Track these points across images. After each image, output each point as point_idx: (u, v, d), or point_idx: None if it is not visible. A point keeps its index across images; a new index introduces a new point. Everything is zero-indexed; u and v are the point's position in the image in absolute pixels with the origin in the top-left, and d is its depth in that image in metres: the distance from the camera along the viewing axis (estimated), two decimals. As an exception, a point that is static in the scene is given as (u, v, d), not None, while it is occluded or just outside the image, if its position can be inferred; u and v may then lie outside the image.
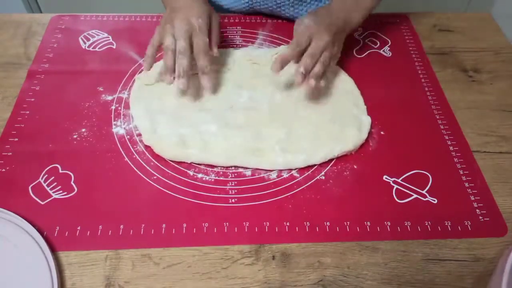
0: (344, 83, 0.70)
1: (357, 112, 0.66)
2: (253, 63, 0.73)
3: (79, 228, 0.53)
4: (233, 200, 0.57)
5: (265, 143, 0.61)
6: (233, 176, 0.59)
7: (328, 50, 0.62)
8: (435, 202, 0.57)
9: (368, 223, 0.55)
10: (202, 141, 0.60)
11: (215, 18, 0.66)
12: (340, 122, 0.64)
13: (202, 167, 0.60)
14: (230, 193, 0.57)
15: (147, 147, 0.61)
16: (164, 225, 0.54)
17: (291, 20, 0.82)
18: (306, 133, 0.62)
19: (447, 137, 0.65)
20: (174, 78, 0.60)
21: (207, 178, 0.59)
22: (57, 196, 0.56)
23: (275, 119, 0.64)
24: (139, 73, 0.71)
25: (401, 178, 0.59)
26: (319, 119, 0.64)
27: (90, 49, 0.75)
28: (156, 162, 0.60)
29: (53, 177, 0.58)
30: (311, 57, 0.60)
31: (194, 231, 0.53)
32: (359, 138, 0.62)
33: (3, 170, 0.58)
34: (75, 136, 0.62)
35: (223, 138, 0.61)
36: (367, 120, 0.64)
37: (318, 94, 0.65)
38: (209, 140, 0.61)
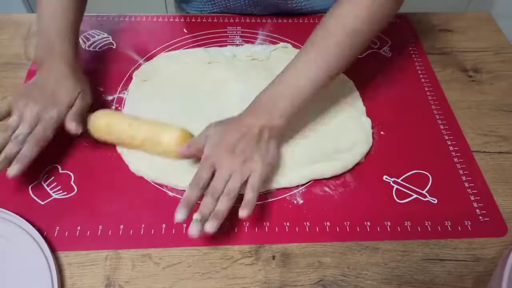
0: (343, 86, 0.70)
1: (356, 114, 0.66)
2: (253, 59, 0.73)
3: (79, 228, 0.53)
4: (233, 200, 0.57)
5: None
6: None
7: (237, 173, 0.51)
8: (435, 202, 0.57)
9: (368, 223, 0.55)
10: (183, 170, 0.57)
11: (82, 98, 0.58)
12: (342, 131, 0.63)
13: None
14: (230, 193, 0.57)
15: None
16: (164, 225, 0.54)
17: (291, 17, 0.82)
18: (306, 149, 0.61)
19: (447, 137, 0.65)
20: None
21: (207, 178, 0.59)
22: (57, 196, 0.56)
23: None
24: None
25: (401, 178, 0.59)
26: (320, 132, 0.63)
27: (90, 49, 0.75)
28: (156, 162, 0.60)
29: (53, 177, 0.58)
30: (211, 195, 0.50)
31: (194, 231, 0.53)
32: (365, 148, 0.62)
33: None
34: (75, 137, 0.62)
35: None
36: (367, 123, 0.64)
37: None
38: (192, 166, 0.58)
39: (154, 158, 0.58)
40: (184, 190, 0.53)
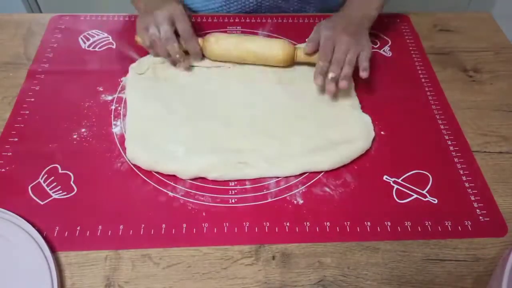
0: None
1: (355, 110, 0.66)
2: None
3: (78, 228, 0.53)
4: (233, 200, 0.57)
5: (252, 155, 0.60)
6: (233, 176, 0.59)
7: (352, 50, 0.64)
8: (435, 202, 0.57)
9: (368, 223, 0.55)
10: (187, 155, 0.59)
11: (187, 11, 0.68)
12: (341, 124, 0.64)
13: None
14: (230, 193, 0.57)
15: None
16: (164, 225, 0.54)
17: (291, 17, 0.82)
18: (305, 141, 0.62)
19: (447, 137, 0.65)
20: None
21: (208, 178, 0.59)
22: (56, 196, 0.56)
23: (270, 128, 0.63)
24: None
25: (401, 178, 0.59)
26: (318, 124, 0.64)
27: (90, 49, 0.75)
28: (156, 162, 0.60)
29: (52, 177, 0.58)
30: (337, 63, 0.63)
31: (194, 231, 0.53)
32: (368, 139, 0.62)
33: (3, 170, 0.58)
34: (74, 136, 0.62)
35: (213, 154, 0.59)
36: (367, 119, 0.65)
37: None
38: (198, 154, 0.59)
39: (150, 146, 0.59)
40: (175, 185, 0.53)
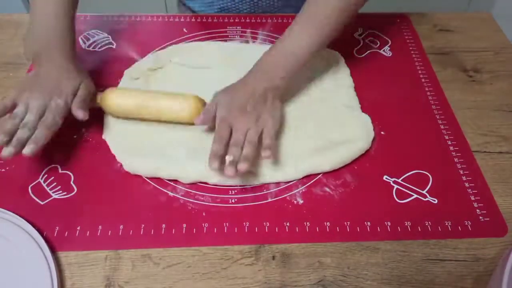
0: (342, 80, 0.71)
1: (356, 112, 0.66)
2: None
3: (78, 228, 0.53)
4: (233, 200, 0.57)
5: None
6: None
7: (252, 129, 0.58)
8: (435, 202, 0.57)
9: (368, 223, 0.55)
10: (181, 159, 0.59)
11: (85, 87, 0.61)
12: (340, 125, 0.64)
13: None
14: (230, 193, 0.57)
15: (147, 147, 0.61)
16: (164, 225, 0.54)
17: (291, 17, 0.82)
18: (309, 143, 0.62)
19: (447, 137, 0.65)
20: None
21: (207, 178, 0.59)
22: (56, 196, 0.56)
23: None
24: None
25: (401, 178, 0.59)
26: (316, 125, 0.64)
27: (90, 49, 0.75)
28: (156, 162, 0.60)
29: (52, 177, 0.58)
30: (235, 144, 0.56)
31: (194, 231, 0.53)
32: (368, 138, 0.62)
33: (3, 170, 0.58)
34: (75, 136, 0.62)
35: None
36: (367, 119, 0.65)
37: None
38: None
39: (147, 155, 0.59)
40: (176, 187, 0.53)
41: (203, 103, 0.62)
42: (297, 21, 0.63)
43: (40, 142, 0.54)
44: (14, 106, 0.56)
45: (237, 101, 0.60)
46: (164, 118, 0.62)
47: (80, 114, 0.58)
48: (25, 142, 0.54)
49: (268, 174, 0.58)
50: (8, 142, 0.53)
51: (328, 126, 0.64)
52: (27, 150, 0.53)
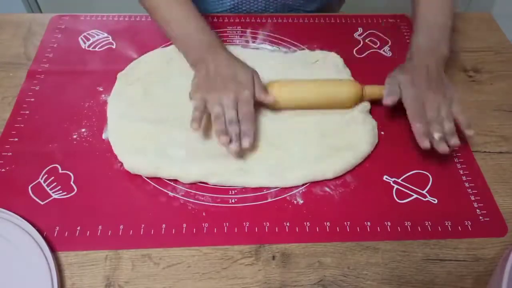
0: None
1: (362, 116, 0.65)
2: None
3: (78, 228, 0.53)
4: (233, 200, 0.57)
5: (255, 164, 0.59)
6: (233, 176, 0.59)
7: (443, 106, 0.60)
8: (435, 202, 0.57)
9: (368, 223, 0.55)
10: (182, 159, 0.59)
11: (257, 75, 0.64)
12: (344, 130, 0.63)
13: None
14: (230, 193, 0.57)
15: (147, 147, 0.61)
16: (164, 225, 0.54)
17: (291, 17, 0.82)
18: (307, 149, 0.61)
19: (447, 137, 0.64)
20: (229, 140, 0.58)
21: (207, 178, 0.59)
22: (57, 196, 0.56)
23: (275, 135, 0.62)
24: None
25: (401, 178, 0.59)
26: (321, 131, 0.63)
27: (90, 49, 0.75)
28: (156, 162, 0.60)
29: (53, 177, 0.58)
30: (436, 121, 0.59)
31: (194, 231, 0.53)
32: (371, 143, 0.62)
33: (3, 170, 0.58)
34: (75, 136, 0.62)
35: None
36: (373, 123, 0.65)
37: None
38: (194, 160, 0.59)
39: (148, 154, 0.58)
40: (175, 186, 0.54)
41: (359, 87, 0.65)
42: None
43: (252, 133, 0.58)
44: (205, 106, 0.60)
45: (419, 80, 0.62)
46: (326, 106, 0.65)
47: (269, 98, 0.62)
48: (239, 135, 0.58)
49: (268, 177, 0.58)
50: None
51: (332, 131, 0.63)
52: (245, 144, 0.57)
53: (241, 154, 0.59)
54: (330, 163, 0.59)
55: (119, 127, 0.62)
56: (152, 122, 0.63)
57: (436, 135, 0.57)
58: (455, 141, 0.57)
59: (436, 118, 0.59)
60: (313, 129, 0.63)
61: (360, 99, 0.65)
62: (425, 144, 0.57)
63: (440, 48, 0.66)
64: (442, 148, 0.57)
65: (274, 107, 0.64)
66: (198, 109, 0.59)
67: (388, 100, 0.61)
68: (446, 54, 0.66)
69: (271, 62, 0.73)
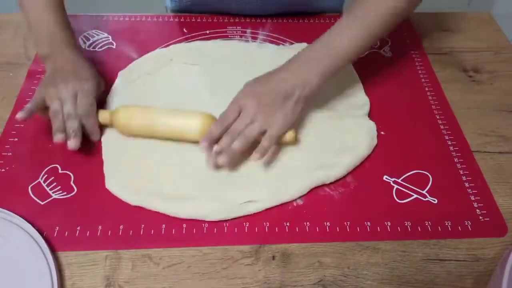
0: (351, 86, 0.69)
1: (361, 119, 0.65)
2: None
3: (78, 228, 0.53)
4: (233, 200, 0.57)
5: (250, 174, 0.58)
6: (233, 176, 0.59)
7: (258, 122, 0.55)
8: (435, 202, 0.57)
9: (368, 223, 0.55)
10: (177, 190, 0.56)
11: (101, 85, 0.63)
12: (343, 134, 0.62)
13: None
14: (230, 193, 0.57)
15: (147, 147, 0.61)
16: (164, 225, 0.54)
17: (291, 17, 0.82)
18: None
19: (447, 137, 0.65)
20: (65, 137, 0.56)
21: (207, 178, 0.59)
22: (56, 196, 0.56)
23: None
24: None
25: (401, 178, 0.59)
26: (318, 138, 0.62)
27: (90, 49, 0.75)
28: (156, 162, 0.60)
29: (52, 177, 0.58)
30: (231, 134, 0.55)
31: (194, 231, 0.53)
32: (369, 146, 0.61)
33: (3, 170, 0.58)
34: (75, 136, 0.62)
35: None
36: (372, 125, 0.64)
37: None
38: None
39: (135, 183, 0.56)
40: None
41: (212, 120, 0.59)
42: (345, 18, 0.59)
43: (95, 129, 0.58)
44: (43, 103, 0.58)
45: (257, 89, 0.58)
46: (174, 138, 0.60)
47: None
48: (78, 130, 0.56)
49: (270, 197, 0.55)
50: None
51: (330, 136, 0.62)
52: (71, 145, 0.55)
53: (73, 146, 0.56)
54: (329, 170, 0.58)
55: (112, 136, 0.61)
56: (141, 143, 0.60)
57: (215, 147, 0.55)
58: (220, 159, 0.54)
59: (234, 130, 0.55)
60: (310, 132, 0.62)
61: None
62: (201, 144, 0.54)
63: (310, 74, 0.58)
64: (208, 161, 0.56)
65: (121, 131, 0.60)
66: (33, 101, 0.57)
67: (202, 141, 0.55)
68: (315, 82, 0.57)
69: (266, 55, 0.72)
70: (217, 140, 0.56)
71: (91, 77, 0.61)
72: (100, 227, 0.53)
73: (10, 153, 0.60)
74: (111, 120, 0.60)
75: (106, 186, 0.56)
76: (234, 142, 0.55)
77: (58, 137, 0.55)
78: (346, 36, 0.58)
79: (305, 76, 0.58)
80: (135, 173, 0.57)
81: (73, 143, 0.55)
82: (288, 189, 0.56)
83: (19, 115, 0.56)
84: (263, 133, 0.56)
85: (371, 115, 0.66)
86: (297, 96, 0.57)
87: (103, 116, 0.60)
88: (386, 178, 0.59)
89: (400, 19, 0.60)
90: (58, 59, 0.61)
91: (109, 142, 0.61)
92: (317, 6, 0.84)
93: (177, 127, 0.58)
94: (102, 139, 0.61)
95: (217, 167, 0.56)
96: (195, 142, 0.58)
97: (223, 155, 0.54)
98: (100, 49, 0.75)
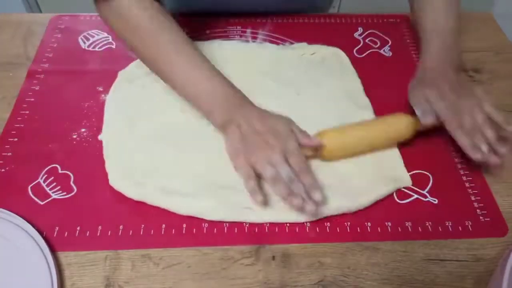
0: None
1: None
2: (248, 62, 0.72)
3: (78, 228, 0.53)
4: (233, 200, 0.56)
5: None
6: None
7: (475, 111, 0.58)
8: (436, 202, 0.57)
9: (369, 223, 0.55)
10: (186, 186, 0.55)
11: (294, 124, 0.57)
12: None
13: (202, 167, 0.59)
14: (230, 193, 0.57)
15: (147, 147, 0.61)
16: (164, 225, 0.54)
17: (291, 17, 0.82)
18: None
19: (447, 137, 0.64)
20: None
21: (207, 178, 0.59)
22: (56, 196, 0.56)
23: None
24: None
25: (401, 178, 0.59)
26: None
27: (90, 49, 0.75)
28: (156, 162, 0.60)
29: (52, 177, 0.58)
30: (477, 131, 0.57)
31: (194, 231, 0.53)
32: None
33: (3, 170, 0.58)
34: (74, 136, 0.62)
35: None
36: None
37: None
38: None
39: (138, 178, 0.56)
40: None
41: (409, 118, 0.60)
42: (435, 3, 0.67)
43: (318, 183, 0.53)
44: (255, 174, 0.53)
45: (444, 90, 0.59)
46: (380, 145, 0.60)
47: (316, 141, 0.56)
48: (304, 193, 0.51)
49: (274, 215, 0.54)
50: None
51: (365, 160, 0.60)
52: (318, 197, 0.51)
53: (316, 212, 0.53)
54: (353, 200, 0.55)
55: (113, 132, 0.61)
56: (142, 139, 0.60)
57: (483, 147, 0.55)
58: (502, 150, 0.56)
59: (475, 125, 0.57)
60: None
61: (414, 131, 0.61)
62: (477, 156, 0.55)
63: (454, 53, 0.65)
64: (493, 160, 0.56)
65: (325, 157, 0.58)
66: (250, 177, 0.53)
67: (427, 120, 0.59)
68: (459, 58, 0.66)
69: (265, 55, 0.73)
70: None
71: (289, 130, 0.55)
72: (100, 227, 0.53)
73: (10, 153, 0.60)
74: (320, 151, 0.57)
75: (110, 183, 0.56)
76: (487, 133, 0.56)
77: (297, 203, 0.51)
78: (452, 16, 0.67)
79: (455, 59, 0.64)
80: (137, 169, 0.57)
81: (311, 207, 0.51)
82: (298, 214, 0.54)
83: (259, 200, 0.52)
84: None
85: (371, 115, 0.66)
86: (461, 72, 0.66)
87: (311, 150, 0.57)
88: (386, 178, 0.59)
89: None
90: (245, 120, 0.55)
91: (110, 140, 0.61)
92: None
93: (387, 127, 0.60)
94: (102, 137, 0.61)
95: (499, 162, 0.56)
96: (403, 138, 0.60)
97: (499, 146, 0.55)
98: (100, 49, 0.75)
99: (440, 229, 0.55)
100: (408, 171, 0.60)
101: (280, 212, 0.54)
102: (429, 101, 0.59)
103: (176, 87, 0.60)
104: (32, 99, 0.66)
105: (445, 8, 0.67)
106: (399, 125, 0.60)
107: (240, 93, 0.59)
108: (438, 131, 0.61)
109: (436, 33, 0.66)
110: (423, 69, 0.65)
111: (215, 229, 0.54)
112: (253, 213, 0.54)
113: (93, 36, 0.77)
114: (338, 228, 0.54)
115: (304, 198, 0.51)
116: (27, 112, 0.65)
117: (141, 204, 0.55)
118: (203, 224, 0.54)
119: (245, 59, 0.73)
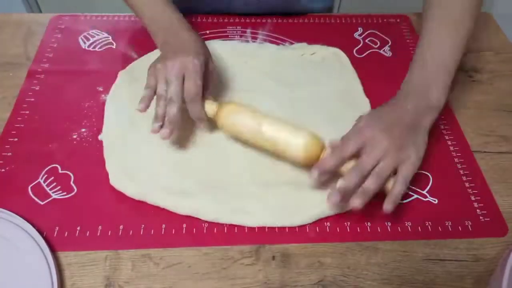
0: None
1: None
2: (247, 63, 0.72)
3: (78, 228, 0.53)
4: (233, 200, 0.56)
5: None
6: (233, 176, 0.59)
7: (389, 159, 0.49)
8: (436, 202, 0.57)
9: (369, 223, 0.55)
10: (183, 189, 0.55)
11: (212, 65, 0.58)
12: None
13: (202, 167, 0.59)
14: (230, 193, 0.57)
15: (147, 147, 0.61)
16: (164, 225, 0.54)
17: (291, 17, 0.82)
18: None
19: (447, 137, 0.65)
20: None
21: (207, 178, 0.59)
22: (56, 196, 0.56)
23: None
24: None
25: (401, 178, 0.59)
26: None
27: (90, 49, 0.75)
28: (156, 162, 0.60)
29: (52, 177, 0.58)
30: (359, 171, 0.48)
31: (194, 231, 0.53)
32: None
33: (3, 170, 0.58)
34: (74, 136, 0.62)
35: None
36: None
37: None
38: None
39: (137, 176, 0.56)
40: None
41: (321, 146, 0.53)
42: (430, 27, 0.57)
43: (200, 114, 0.54)
44: (155, 86, 0.55)
45: (383, 119, 0.52)
46: (274, 151, 0.55)
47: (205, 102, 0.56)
48: (177, 118, 0.52)
49: (271, 219, 0.54)
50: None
51: None
52: (164, 135, 0.52)
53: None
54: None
55: (113, 132, 0.61)
56: (147, 138, 0.59)
57: (338, 183, 0.48)
58: (354, 203, 0.48)
59: (363, 169, 0.49)
60: None
61: (317, 159, 0.53)
62: (313, 176, 0.49)
63: (431, 99, 0.55)
64: (330, 199, 0.49)
65: (218, 123, 0.57)
66: (146, 87, 0.55)
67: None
68: (435, 107, 0.55)
69: (266, 55, 0.73)
70: (329, 173, 0.50)
71: (202, 51, 0.56)
72: (100, 227, 0.53)
73: (10, 153, 0.60)
74: (216, 112, 0.56)
75: (110, 182, 0.56)
76: (367, 182, 0.48)
77: (153, 126, 0.51)
78: (442, 45, 0.57)
79: (425, 103, 0.55)
80: (138, 168, 0.57)
81: (164, 133, 0.51)
82: (293, 218, 0.54)
83: (140, 107, 0.53)
84: (394, 173, 0.50)
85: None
86: (425, 127, 0.54)
87: (209, 107, 0.56)
88: (386, 178, 0.59)
89: (478, 13, 0.59)
90: (171, 39, 0.58)
91: (110, 140, 0.61)
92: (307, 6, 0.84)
93: (281, 139, 0.53)
94: (102, 137, 0.61)
95: (344, 208, 0.52)
96: (295, 161, 0.54)
97: (359, 197, 0.48)
98: (100, 49, 0.75)
99: (440, 229, 0.55)
100: (408, 171, 0.60)
101: (278, 216, 0.54)
102: (349, 144, 0.50)
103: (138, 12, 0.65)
104: (32, 99, 0.66)
105: (449, 26, 0.58)
106: (289, 145, 0.53)
107: (184, 23, 0.61)
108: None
109: (420, 63, 0.58)
110: (386, 103, 0.57)
111: (215, 229, 0.54)
112: (250, 218, 0.54)
113: (93, 36, 0.77)
114: (338, 228, 0.54)
115: (165, 123, 0.52)
116: (27, 112, 0.65)
117: (141, 204, 0.55)
118: (203, 224, 0.54)
119: (245, 59, 0.73)
